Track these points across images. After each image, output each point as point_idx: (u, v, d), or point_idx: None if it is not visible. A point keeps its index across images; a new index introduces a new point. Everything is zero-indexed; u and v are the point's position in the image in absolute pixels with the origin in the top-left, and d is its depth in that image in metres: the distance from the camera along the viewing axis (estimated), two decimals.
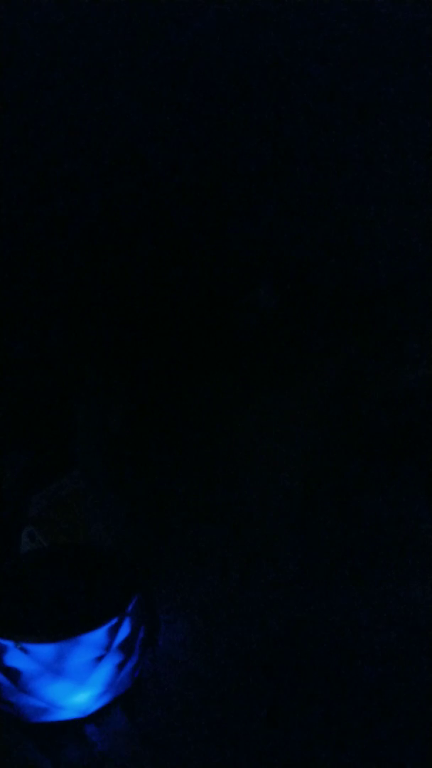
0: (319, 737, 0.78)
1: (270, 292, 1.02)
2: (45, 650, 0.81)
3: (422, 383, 1.04)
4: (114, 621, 0.85)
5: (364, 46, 0.88)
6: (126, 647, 0.87)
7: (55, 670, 0.82)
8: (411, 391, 1.04)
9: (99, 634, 0.83)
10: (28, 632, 0.82)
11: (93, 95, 0.87)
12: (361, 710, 0.83)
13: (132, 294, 1.06)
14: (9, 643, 0.82)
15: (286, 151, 0.95)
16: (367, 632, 0.94)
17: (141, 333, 1.09)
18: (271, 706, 0.84)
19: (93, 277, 1.06)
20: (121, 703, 0.89)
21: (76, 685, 0.84)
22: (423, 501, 1.02)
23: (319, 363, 1.06)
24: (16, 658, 0.82)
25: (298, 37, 0.86)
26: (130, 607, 0.87)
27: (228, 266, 1.05)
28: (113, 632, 0.85)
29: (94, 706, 0.86)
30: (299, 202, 1.00)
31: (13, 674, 0.82)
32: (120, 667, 0.86)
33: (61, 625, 0.83)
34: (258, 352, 1.07)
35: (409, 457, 1.04)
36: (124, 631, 0.86)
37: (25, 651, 0.81)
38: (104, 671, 0.85)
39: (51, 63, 0.84)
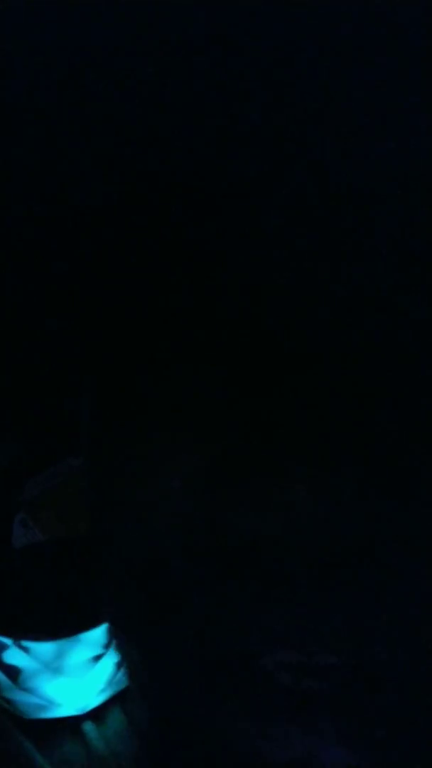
0: (321, 738, 0.78)
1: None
2: (44, 648, 0.80)
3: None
4: None
5: (367, 44, 0.86)
6: None
7: (55, 667, 0.81)
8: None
9: (99, 633, 0.82)
10: (28, 630, 0.81)
11: (88, 89, 0.85)
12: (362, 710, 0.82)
13: (129, 291, 1.05)
14: (8, 641, 0.81)
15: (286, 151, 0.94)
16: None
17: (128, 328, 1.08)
18: (273, 705, 0.84)
19: (90, 270, 1.04)
20: (120, 700, 0.88)
21: (75, 683, 0.83)
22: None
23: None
24: (14, 656, 0.81)
25: (300, 33, 0.84)
26: None
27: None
28: (113, 630, 0.84)
29: (93, 703, 0.86)
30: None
31: (12, 671, 0.82)
32: (119, 665, 0.86)
33: (60, 623, 0.82)
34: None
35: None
36: None
37: (24, 649, 0.80)
38: (104, 669, 0.84)
39: (49, 60, 0.82)
